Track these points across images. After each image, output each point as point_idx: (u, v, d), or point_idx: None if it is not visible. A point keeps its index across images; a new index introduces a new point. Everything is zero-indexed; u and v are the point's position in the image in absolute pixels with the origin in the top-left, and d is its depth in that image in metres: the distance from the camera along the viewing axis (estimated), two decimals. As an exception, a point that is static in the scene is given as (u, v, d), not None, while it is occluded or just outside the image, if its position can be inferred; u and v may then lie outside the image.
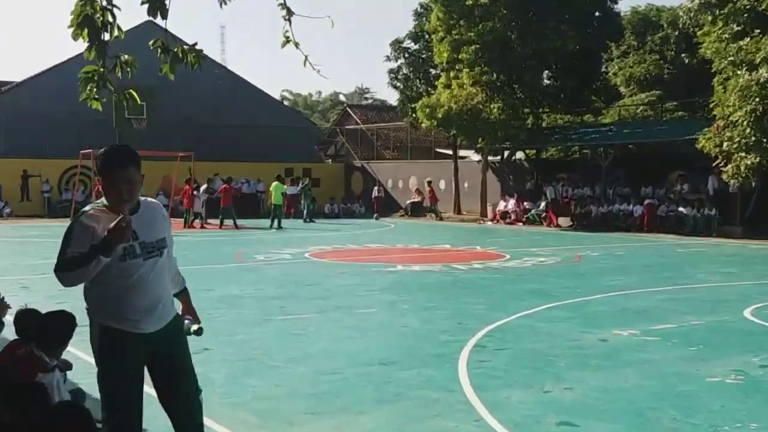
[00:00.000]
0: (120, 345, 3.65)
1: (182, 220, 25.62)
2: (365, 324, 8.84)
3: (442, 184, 34.87)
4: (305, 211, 29.53)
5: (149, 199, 3.91)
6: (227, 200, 25.73)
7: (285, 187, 29.70)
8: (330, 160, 46.18)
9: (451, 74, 28.94)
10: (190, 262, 15.33)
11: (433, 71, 32.83)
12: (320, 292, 11.31)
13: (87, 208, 3.65)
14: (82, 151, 29.00)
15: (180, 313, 4.06)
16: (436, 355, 7.26)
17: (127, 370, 3.66)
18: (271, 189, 27.08)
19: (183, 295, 4.18)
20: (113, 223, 3.42)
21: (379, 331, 8.47)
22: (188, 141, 33.33)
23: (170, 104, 33.50)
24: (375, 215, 32.15)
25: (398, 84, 33.53)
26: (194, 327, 4.07)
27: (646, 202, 24.77)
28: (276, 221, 25.64)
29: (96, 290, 3.67)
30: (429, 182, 32.92)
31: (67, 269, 3.48)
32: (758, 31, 20.94)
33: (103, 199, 3.67)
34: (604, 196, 26.99)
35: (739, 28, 21.58)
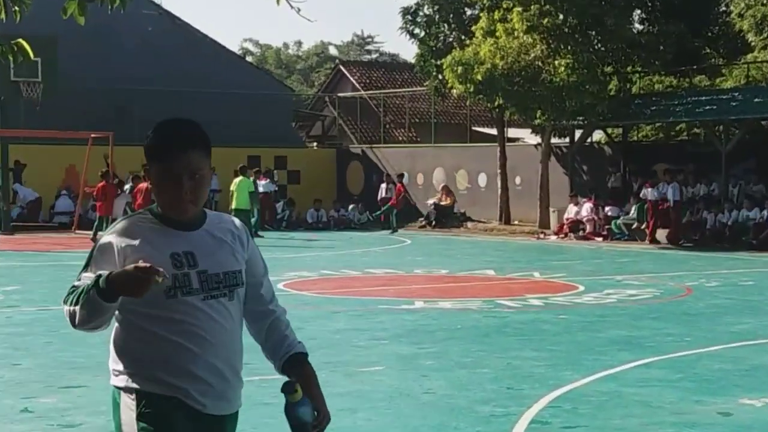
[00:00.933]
0: (165, 418, 3.45)
1: (92, 231, 25.68)
2: (368, 389, 8.85)
3: (482, 179, 34.90)
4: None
5: (222, 213, 3.80)
6: (145, 204, 25.72)
7: (262, 183, 29.81)
8: (315, 143, 46.21)
9: (496, 16, 28.96)
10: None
11: (468, 11, 32.84)
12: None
13: (125, 217, 3.54)
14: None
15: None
16: (476, 435, 7.25)
17: None
18: (233, 188, 26.85)
19: (300, 368, 3.93)
20: (141, 265, 3.18)
21: (389, 400, 8.47)
22: (105, 116, 33.42)
23: (79, 62, 33.59)
24: (393, 227, 31.98)
25: (417, 30, 33.56)
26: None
27: (788, 206, 24.75)
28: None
29: (128, 337, 3.54)
30: (400, 176, 34.07)
31: (66, 301, 3.36)
32: None
33: (154, 205, 3.54)
34: (725, 197, 26.93)
35: None
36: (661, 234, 26.99)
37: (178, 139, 3.50)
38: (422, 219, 34.58)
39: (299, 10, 4.65)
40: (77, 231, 28.63)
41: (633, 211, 28.28)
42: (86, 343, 11.09)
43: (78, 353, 10.46)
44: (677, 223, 26.60)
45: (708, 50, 33.84)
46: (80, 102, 33.70)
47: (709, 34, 33.52)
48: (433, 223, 33.86)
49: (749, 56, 33.38)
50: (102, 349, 10.99)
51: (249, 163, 36.33)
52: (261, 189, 31.33)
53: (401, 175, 34.00)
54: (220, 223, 3.62)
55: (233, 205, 26.02)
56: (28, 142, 32.22)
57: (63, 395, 8.51)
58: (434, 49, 32.73)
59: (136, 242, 3.39)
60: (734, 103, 27.76)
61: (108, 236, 3.44)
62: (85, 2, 4.46)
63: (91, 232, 25.61)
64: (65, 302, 3.35)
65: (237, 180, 26.74)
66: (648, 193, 26.95)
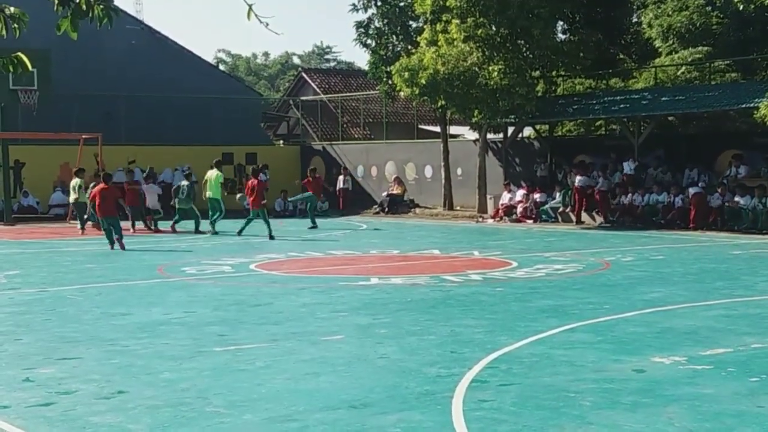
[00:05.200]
0: None
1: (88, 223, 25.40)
2: (330, 356, 8.84)
3: (428, 171, 35.01)
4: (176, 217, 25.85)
5: None
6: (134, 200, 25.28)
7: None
8: (281, 141, 46.11)
9: (438, 27, 29.00)
10: (98, 278, 15.26)
11: (413, 24, 32.85)
12: (271, 316, 11.30)
13: None
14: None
15: None
16: (424, 394, 7.29)
17: None
18: (207, 179, 25.82)
19: None
20: None
21: (348, 364, 8.48)
22: (94, 119, 33.13)
23: (70, 72, 33.31)
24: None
25: (369, 41, 33.54)
26: None
27: (692, 190, 25.02)
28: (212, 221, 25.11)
29: None
30: (312, 170, 29.30)
31: None
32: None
33: None
34: (638, 183, 27.19)
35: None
36: (585, 216, 27.30)
37: None
38: (377, 206, 34.64)
39: (267, 24, 4.64)
40: (71, 221, 28.42)
41: (558, 197, 28.53)
42: (80, 320, 11.03)
43: (73, 329, 10.38)
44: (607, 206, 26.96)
45: (622, 56, 34.08)
46: (72, 107, 33.44)
47: (623, 41, 33.73)
48: (386, 209, 33.94)
49: (657, 61, 33.66)
50: (94, 324, 10.99)
51: (224, 159, 36.35)
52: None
53: (314, 170, 29.70)
54: None
55: (206, 194, 25.28)
56: (26, 143, 31.96)
57: (60, 366, 8.44)
58: (384, 57, 32.74)
59: None
60: (644, 102, 28.00)
61: None
62: (77, 20, 4.43)
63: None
64: None
65: (210, 172, 25.70)
66: (577, 180, 27.22)
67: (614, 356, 8.64)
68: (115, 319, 11.07)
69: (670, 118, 29.77)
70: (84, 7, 4.40)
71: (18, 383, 7.77)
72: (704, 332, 9.89)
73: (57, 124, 30.94)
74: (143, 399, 7.19)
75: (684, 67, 32.07)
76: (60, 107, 32.10)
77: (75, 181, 25.74)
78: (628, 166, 27.28)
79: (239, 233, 23.61)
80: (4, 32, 4.37)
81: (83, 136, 28.57)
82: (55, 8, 4.42)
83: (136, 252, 20.14)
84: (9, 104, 28.69)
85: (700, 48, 32.04)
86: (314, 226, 26.46)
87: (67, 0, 4.39)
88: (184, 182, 25.98)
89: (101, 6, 4.43)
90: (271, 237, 22.78)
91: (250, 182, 24.21)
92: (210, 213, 25.03)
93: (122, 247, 20.10)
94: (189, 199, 25.60)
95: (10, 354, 9.05)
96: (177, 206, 25.62)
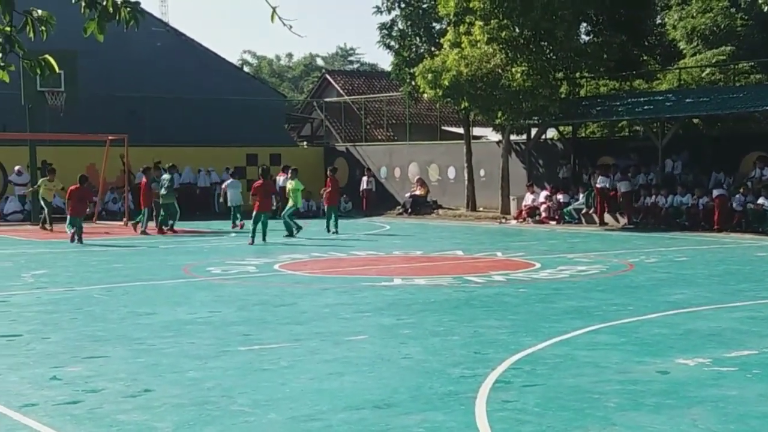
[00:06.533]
0: None
1: (126, 221, 25.41)
2: (354, 356, 8.85)
3: (451, 172, 35.00)
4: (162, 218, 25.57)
5: None
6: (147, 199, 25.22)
7: (282, 178, 28.58)
8: (305, 142, 46.20)
9: (461, 29, 28.99)
10: (124, 277, 15.34)
11: (437, 26, 32.86)
12: (295, 316, 11.32)
13: None
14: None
15: None
16: (447, 394, 7.28)
17: None
18: (290, 187, 25.36)
19: None
20: None
21: (372, 364, 8.48)
22: (120, 120, 33.31)
23: (97, 73, 33.51)
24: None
25: (392, 43, 33.57)
26: None
27: (716, 192, 24.86)
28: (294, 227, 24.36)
29: None
30: (332, 170, 28.27)
31: None
32: None
33: None
34: (662, 185, 27.06)
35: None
36: (608, 217, 27.20)
37: None
38: (400, 207, 34.66)
39: (291, 27, 4.64)
40: (97, 221, 28.65)
41: (582, 198, 28.43)
42: (107, 319, 11.09)
43: (99, 327, 10.44)
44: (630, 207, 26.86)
45: (645, 57, 33.93)
46: (98, 108, 33.66)
47: (647, 43, 33.60)
48: (409, 210, 33.95)
49: (681, 62, 33.49)
50: (120, 323, 11.04)
51: (247, 160, 36.64)
52: (281, 183, 31.52)
53: (335, 169, 28.76)
54: None
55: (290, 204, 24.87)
56: (53, 144, 32.16)
57: (87, 364, 8.49)
58: (407, 59, 32.76)
59: None
60: (668, 104, 27.87)
61: None
62: (104, 22, 4.46)
63: (111, 223, 25.45)
64: None
65: (289, 180, 25.61)
66: (599, 180, 27.11)
67: (638, 358, 8.60)
68: (141, 318, 11.13)
69: (694, 120, 29.60)
70: (111, 9, 4.43)
71: (45, 381, 7.83)
72: (729, 334, 9.83)
73: (83, 126, 31.15)
74: (169, 397, 7.22)
75: (708, 69, 31.87)
76: (86, 108, 32.32)
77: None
78: (654, 169, 27.14)
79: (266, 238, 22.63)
80: (31, 35, 4.40)
81: (109, 137, 28.74)
82: (82, 10, 4.44)
83: (161, 252, 20.24)
84: (36, 106, 28.89)
85: (723, 48, 31.86)
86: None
87: (94, 2, 4.42)
88: (165, 175, 25.80)
89: (128, 8, 4.45)
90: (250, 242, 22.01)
91: (255, 183, 23.47)
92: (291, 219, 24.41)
93: (81, 241, 21.79)
94: (171, 194, 25.56)
95: (37, 352, 9.11)
96: (161, 201, 25.29)
